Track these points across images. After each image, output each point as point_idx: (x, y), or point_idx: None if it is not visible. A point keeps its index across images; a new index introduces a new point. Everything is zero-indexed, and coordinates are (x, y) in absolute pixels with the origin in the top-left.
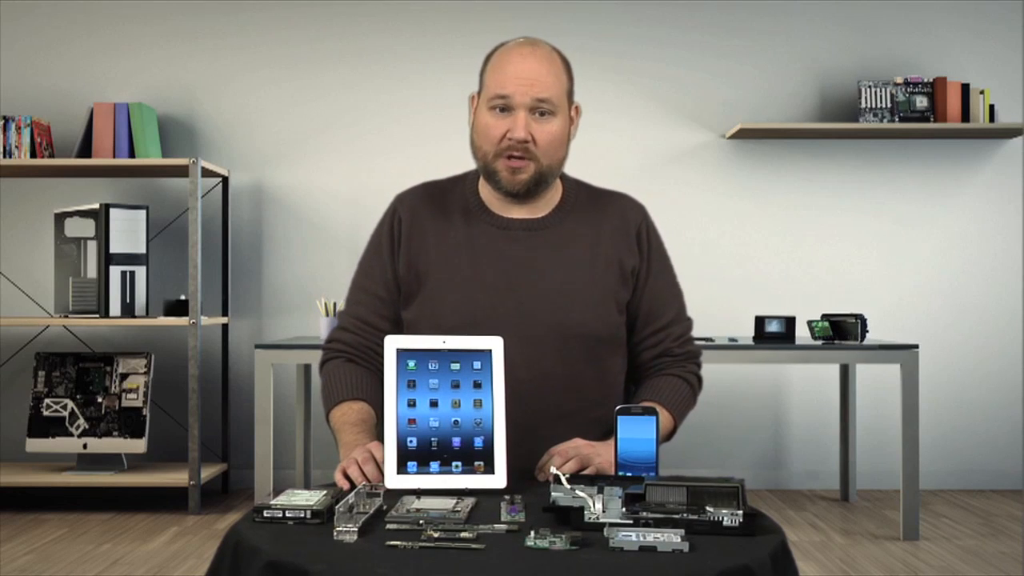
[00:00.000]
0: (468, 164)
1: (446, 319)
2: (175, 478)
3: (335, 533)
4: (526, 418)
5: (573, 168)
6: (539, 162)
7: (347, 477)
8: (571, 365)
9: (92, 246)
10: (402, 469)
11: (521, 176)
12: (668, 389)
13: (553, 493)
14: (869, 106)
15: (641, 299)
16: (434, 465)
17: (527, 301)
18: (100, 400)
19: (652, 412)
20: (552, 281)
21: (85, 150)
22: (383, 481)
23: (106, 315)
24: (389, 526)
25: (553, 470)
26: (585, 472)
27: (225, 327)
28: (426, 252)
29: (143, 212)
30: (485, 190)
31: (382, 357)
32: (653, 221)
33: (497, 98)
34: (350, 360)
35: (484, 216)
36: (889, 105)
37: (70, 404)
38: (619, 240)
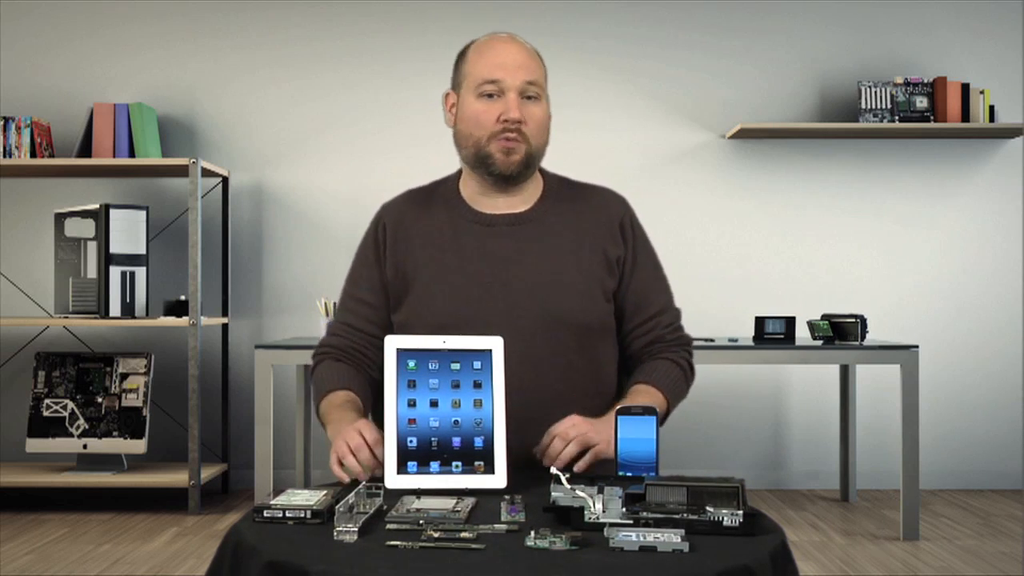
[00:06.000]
0: None
1: (435, 316)
2: (175, 478)
3: (335, 533)
4: (519, 409)
5: (573, 168)
6: (529, 144)
7: (344, 471)
8: (561, 354)
9: (92, 246)
10: (402, 469)
11: (514, 157)
12: (662, 371)
13: (553, 493)
14: (869, 106)
15: (628, 289)
16: (434, 465)
17: (514, 293)
18: (100, 400)
19: (652, 412)
20: (538, 272)
21: (85, 150)
22: (379, 462)
23: (106, 315)
24: (389, 526)
25: (553, 470)
26: (585, 457)
27: (225, 327)
28: (412, 254)
29: (143, 212)
30: (467, 188)
31: (370, 358)
32: (635, 213)
33: (487, 83)
34: (336, 360)
35: (467, 213)
36: (889, 105)
37: (70, 404)
38: (602, 231)
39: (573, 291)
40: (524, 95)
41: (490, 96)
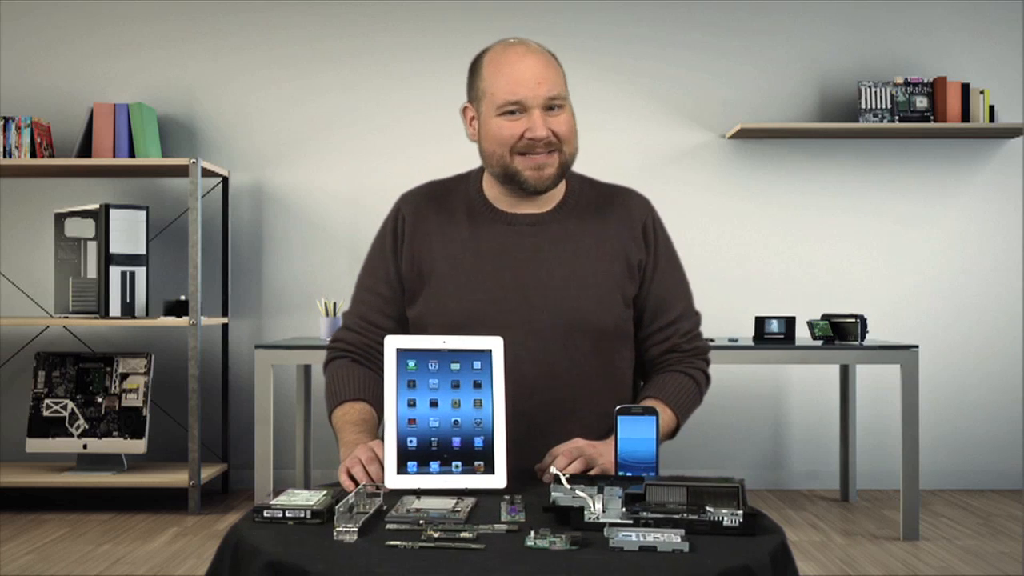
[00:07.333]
0: (468, 163)
1: (452, 314)
2: (175, 478)
3: (335, 533)
4: (533, 412)
5: (573, 168)
6: (563, 152)
7: (351, 477)
8: (577, 358)
9: (92, 246)
10: (402, 469)
11: (548, 171)
12: (673, 387)
13: (553, 493)
14: (869, 106)
15: (648, 294)
16: (434, 465)
17: (533, 295)
18: (100, 400)
19: (652, 412)
20: (558, 275)
21: (85, 150)
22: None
23: (106, 315)
24: (389, 526)
25: (553, 470)
26: (589, 472)
27: (225, 327)
28: (430, 250)
29: (143, 212)
30: (490, 187)
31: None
32: (659, 216)
33: (509, 104)
34: (354, 360)
35: (489, 213)
36: (889, 105)
37: (70, 404)
38: (625, 234)
39: (592, 295)
40: (546, 108)
41: (512, 113)
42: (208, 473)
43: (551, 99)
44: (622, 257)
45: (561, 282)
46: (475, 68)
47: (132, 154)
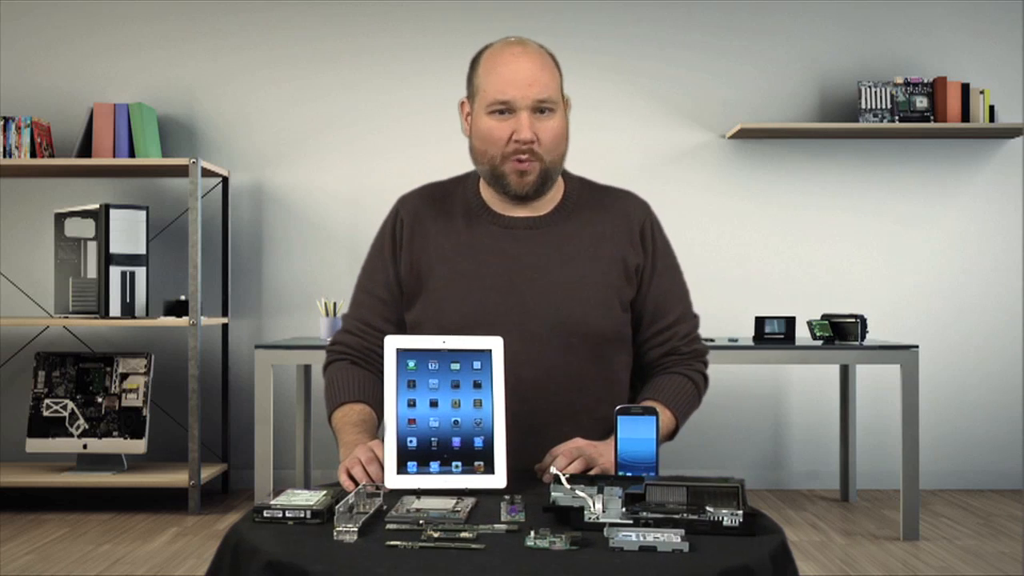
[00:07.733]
0: (469, 164)
1: (449, 319)
2: (175, 478)
3: (335, 533)
4: (530, 417)
5: (573, 168)
6: (543, 160)
7: (351, 477)
8: (575, 363)
9: (92, 246)
10: (402, 469)
11: (528, 178)
12: (672, 388)
13: (553, 493)
14: (869, 106)
15: (647, 297)
16: (434, 465)
17: (530, 300)
18: (100, 400)
19: (652, 412)
20: (555, 279)
21: (85, 150)
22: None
23: (106, 315)
24: (389, 526)
25: (553, 470)
26: (589, 472)
27: (225, 327)
28: (428, 253)
29: (143, 212)
30: (487, 190)
31: (384, 359)
32: (658, 218)
33: (497, 103)
34: (353, 363)
35: (486, 216)
36: (889, 105)
37: (70, 404)
38: (622, 238)
39: (589, 300)
40: (536, 111)
41: (502, 113)
42: (208, 473)
43: (540, 102)
44: (620, 261)
45: (558, 287)
46: (474, 64)
47: (132, 154)
